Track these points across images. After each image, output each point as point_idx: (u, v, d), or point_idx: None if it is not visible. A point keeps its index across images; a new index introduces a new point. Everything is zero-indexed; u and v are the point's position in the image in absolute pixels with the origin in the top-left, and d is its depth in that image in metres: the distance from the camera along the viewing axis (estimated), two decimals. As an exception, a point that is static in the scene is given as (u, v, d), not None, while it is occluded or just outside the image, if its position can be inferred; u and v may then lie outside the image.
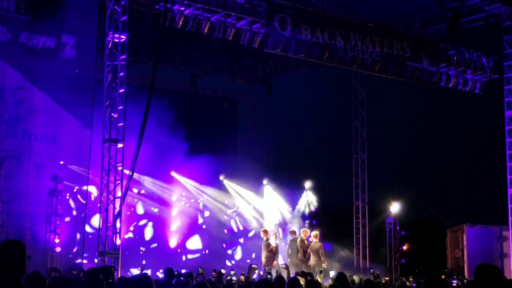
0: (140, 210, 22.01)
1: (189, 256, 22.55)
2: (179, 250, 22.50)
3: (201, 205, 23.57)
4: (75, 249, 19.49)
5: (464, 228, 22.02)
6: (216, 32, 17.81)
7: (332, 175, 32.13)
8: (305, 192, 23.98)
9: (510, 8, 20.30)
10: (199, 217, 23.40)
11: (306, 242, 18.55)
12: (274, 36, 17.80)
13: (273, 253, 18.42)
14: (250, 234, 23.70)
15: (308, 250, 18.31)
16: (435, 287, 5.17)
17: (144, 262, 20.28)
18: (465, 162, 33.51)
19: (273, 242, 18.57)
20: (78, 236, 19.47)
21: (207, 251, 22.93)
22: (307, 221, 23.42)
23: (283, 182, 24.20)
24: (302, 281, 9.90)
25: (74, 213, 19.97)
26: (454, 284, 13.56)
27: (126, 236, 20.30)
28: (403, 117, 39.91)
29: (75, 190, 19.88)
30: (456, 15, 20.46)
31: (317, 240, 18.38)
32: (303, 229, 19.63)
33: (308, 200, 23.98)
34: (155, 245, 22.16)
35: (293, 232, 19.35)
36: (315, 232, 18.69)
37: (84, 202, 18.96)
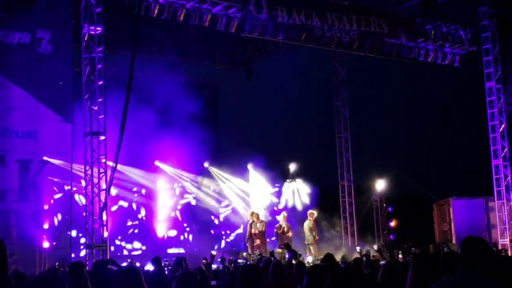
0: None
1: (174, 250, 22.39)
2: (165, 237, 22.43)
3: (188, 194, 23.44)
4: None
5: (450, 201, 22.12)
6: (192, 19, 17.69)
7: (316, 156, 32.18)
8: (290, 178, 23.77)
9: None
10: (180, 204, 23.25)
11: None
12: (250, 20, 17.69)
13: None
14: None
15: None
16: (423, 262, 5.21)
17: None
18: (448, 135, 33.73)
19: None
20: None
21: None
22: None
23: (267, 166, 24.17)
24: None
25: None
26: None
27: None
28: (383, 94, 40.01)
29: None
30: (431, -11, 20.49)
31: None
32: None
33: (295, 189, 23.83)
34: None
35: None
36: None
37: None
